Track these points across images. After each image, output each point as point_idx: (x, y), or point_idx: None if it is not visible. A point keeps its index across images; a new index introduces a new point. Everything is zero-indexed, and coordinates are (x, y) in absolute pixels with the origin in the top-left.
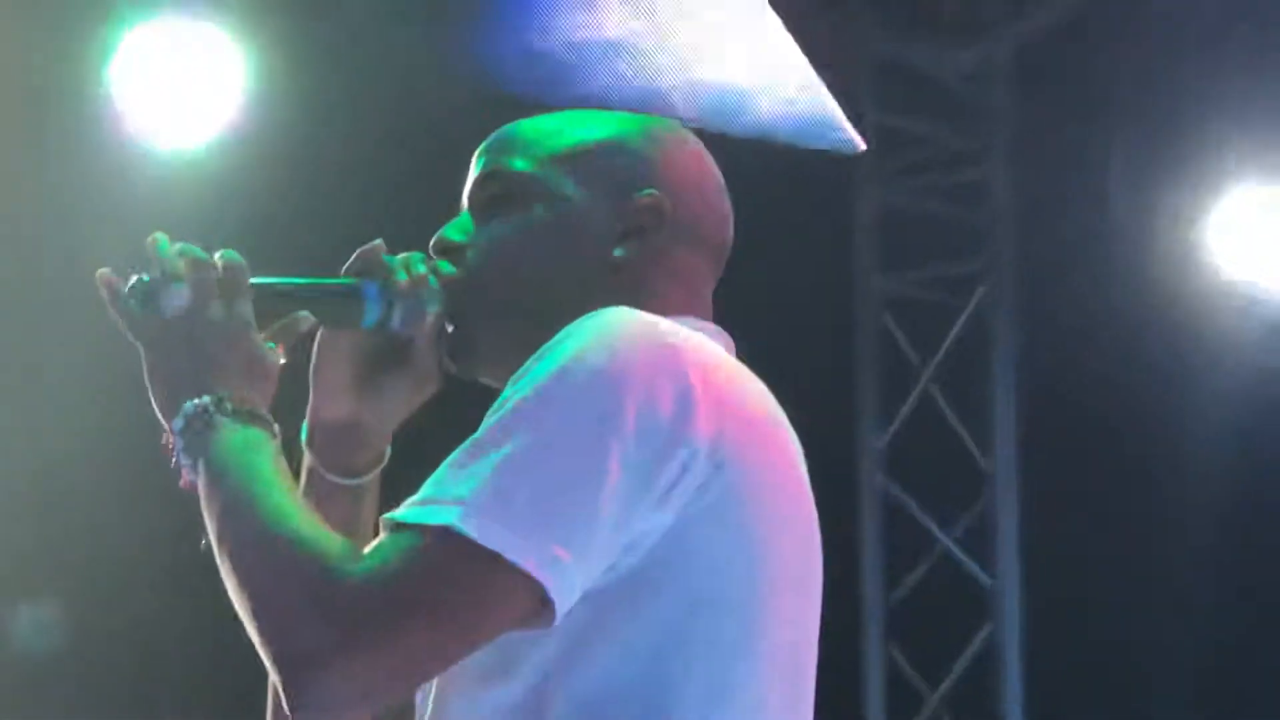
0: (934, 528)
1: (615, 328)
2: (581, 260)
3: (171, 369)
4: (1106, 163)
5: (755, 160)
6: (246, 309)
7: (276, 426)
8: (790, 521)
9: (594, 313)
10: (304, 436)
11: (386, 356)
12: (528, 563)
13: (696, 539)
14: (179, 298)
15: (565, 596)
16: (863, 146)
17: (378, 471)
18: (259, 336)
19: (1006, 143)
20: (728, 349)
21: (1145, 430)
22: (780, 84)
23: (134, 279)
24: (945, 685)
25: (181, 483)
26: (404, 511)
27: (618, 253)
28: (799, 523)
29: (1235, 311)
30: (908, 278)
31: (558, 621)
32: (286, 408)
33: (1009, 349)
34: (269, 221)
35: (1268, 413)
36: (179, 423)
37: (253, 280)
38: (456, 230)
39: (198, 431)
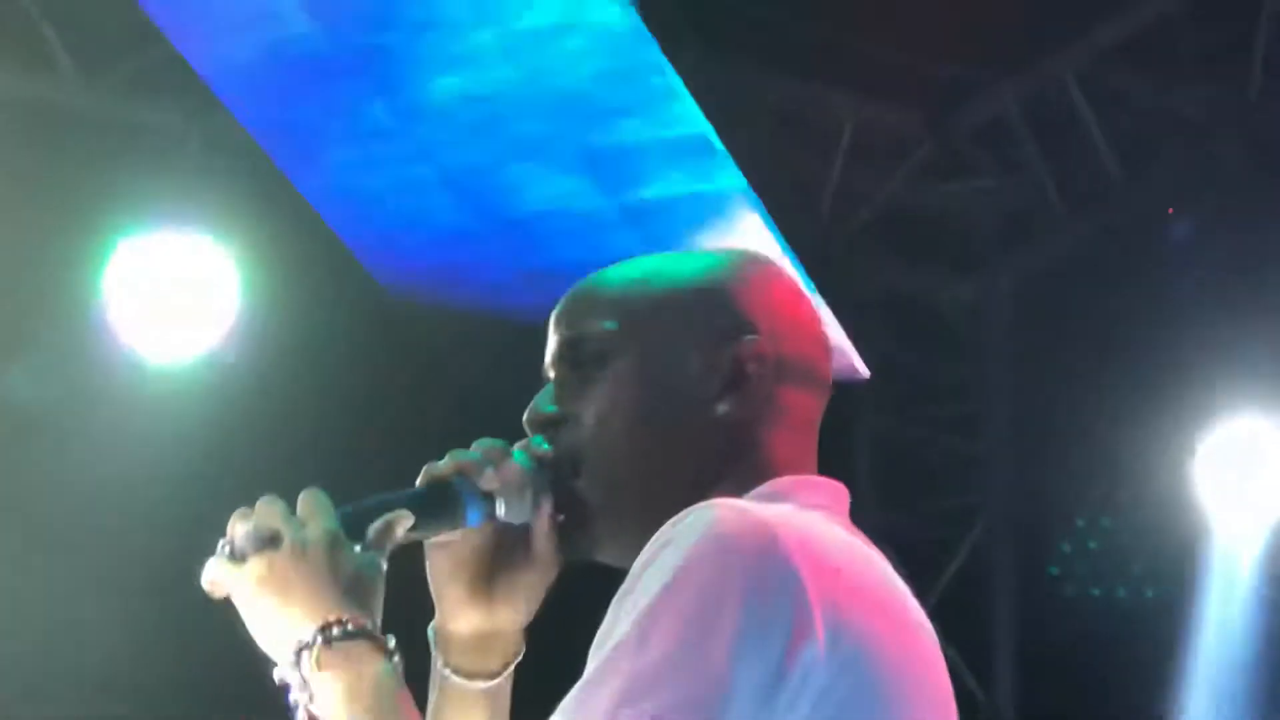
0: None
1: (716, 533)
2: (684, 423)
3: (268, 612)
4: (1099, 395)
5: None
6: (335, 532)
7: (387, 638)
8: (923, 693)
9: (694, 512)
10: (431, 640)
11: (501, 555)
12: None
13: None
14: (258, 540)
15: None
16: (865, 375)
17: (512, 668)
18: (353, 553)
19: (1003, 374)
20: (838, 499)
21: (1145, 672)
22: None
23: (220, 544)
24: None
25: None
26: None
27: (721, 409)
28: (933, 692)
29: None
30: (904, 512)
31: None
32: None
33: (1008, 583)
34: (263, 436)
35: None
36: (288, 661)
37: (341, 509)
38: (547, 401)
39: (303, 672)
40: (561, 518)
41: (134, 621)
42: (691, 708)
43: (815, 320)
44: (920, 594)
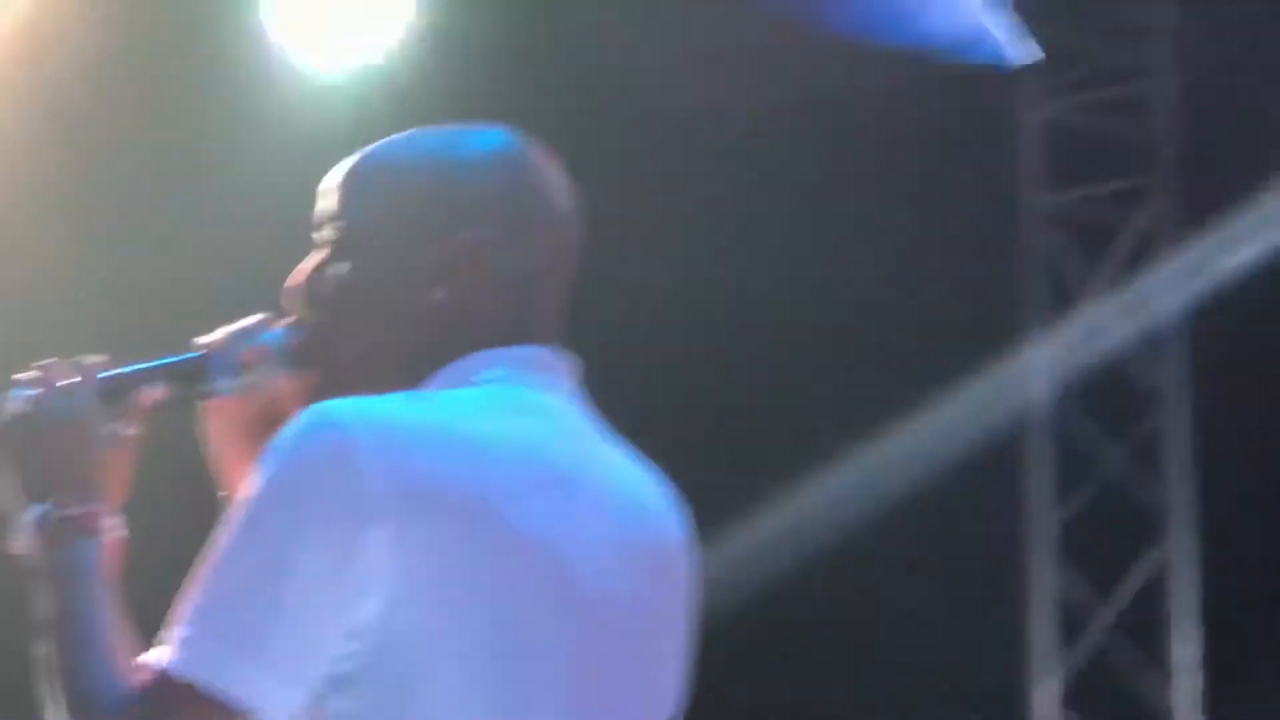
0: (1102, 448)
1: (289, 436)
2: (403, 309)
3: (17, 473)
4: (1271, 72)
5: (916, 75)
6: (85, 401)
7: (106, 520)
8: (527, 564)
9: (299, 413)
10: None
11: (269, 420)
12: (237, 693)
13: (405, 619)
14: (18, 401)
15: (270, 702)
16: (1029, 60)
17: None
18: (97, 426)
19: (1171, 56)
20: (526, 365)
21: None
22: None
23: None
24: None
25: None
26: (156, 651)
27: (438, 295)
28: (542, 565)
29: None
30: (1072, 194)
31: None
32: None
33: (1176, 264)
34: None
35: None
36: (23, 530)
37: (101, 374)
38: (304, 269)
39: (31, 544)
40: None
41: None
42: (251, 605)
43: (551, 201)
44: (1087, 276)
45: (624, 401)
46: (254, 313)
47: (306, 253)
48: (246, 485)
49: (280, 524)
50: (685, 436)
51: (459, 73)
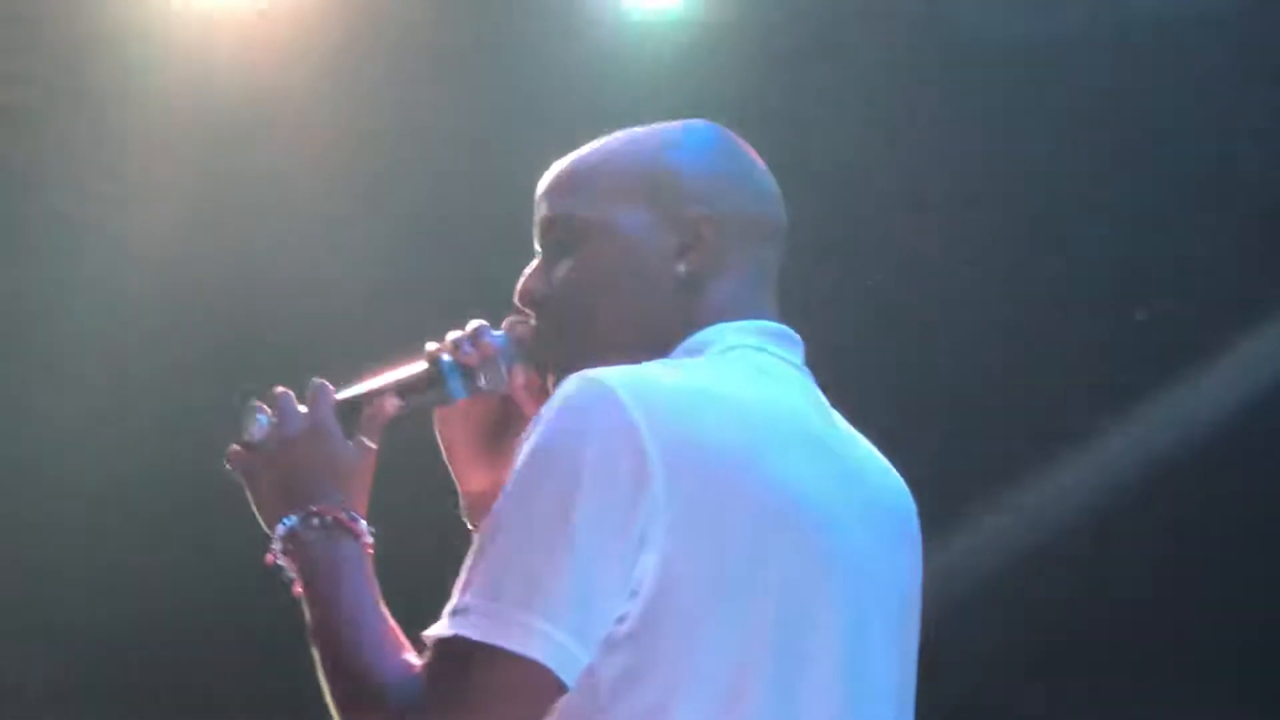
0: None
1: (563, 402)
2: (650, 283)
3: (263, 494)
4: None
5: None
6: (326, 417)
7: (362, 524)
8: (782, 527)
9: (564, 382)
10: (460, 507)
11: (501, 420)
12: (523, 646)
13: (678, 575)
14: (260, 424)
15: (563, 661)
16: None
17: None
18: (340, 439)
19: None
20: (772, 338)
21: None
22: None
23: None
24: None
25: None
26: (435, 625)
27: (681, 268)
28: (794, 529)
29: None
30: None
31: (574, 683)
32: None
33: None
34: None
35: None
36: (275, 545)
37: (339, 395)
38: (534, 279)
39: (289, 553)
40: (551, 377)
41: None
42: (547, 567)
43: (759, 179)
44: None
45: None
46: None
47: None
48: (519, 456)
49: (565, 486)
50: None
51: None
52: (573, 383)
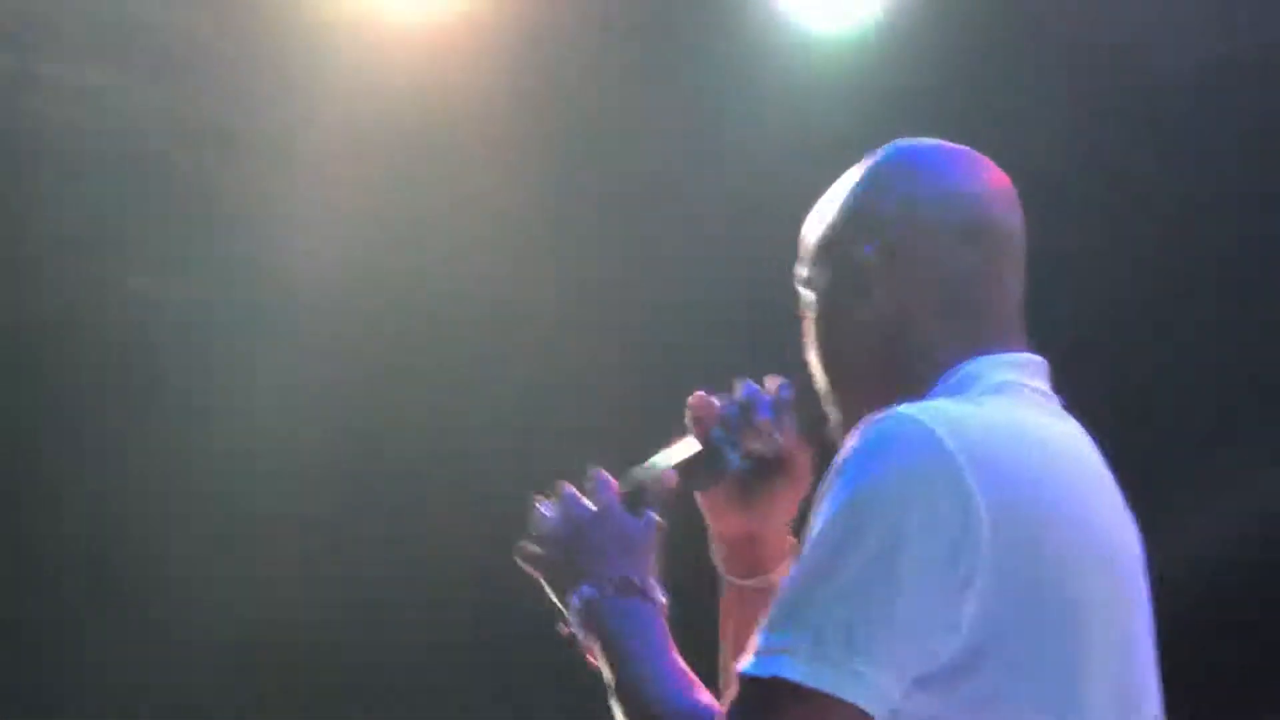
0: None
1: (879, 442)
2: (850, 335)
3: (558, 574)
4: None
5: None
6: (610, 500)
7: (657, 590)
8: (1094, 567)
9: (873, 423)
10: (712, 553)
11: (758, 474)
12: (846, 691)
13: (1002, 619)
14: (547, 517)
15: (876, 700)
16: None
17: (785, 564)
18: (628, 517)
19: None
20: (1028, 370)
21: None
22: None
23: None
24: None
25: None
26: (748, 665)
27: (860, 316)
28: (1104, 564)
29: None
30: None
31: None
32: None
33: None
34: (918, 112)
35: None
36: (572, 615)
37: (623, 478)
38: (805, 338)
39: (585, 622)
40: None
41: None
42: (871, 613)
43: (960, 185)
44: None
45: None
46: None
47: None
48: (830, 498)
49: (890, 525)
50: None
51: (956, 24)
52: (887, 422)
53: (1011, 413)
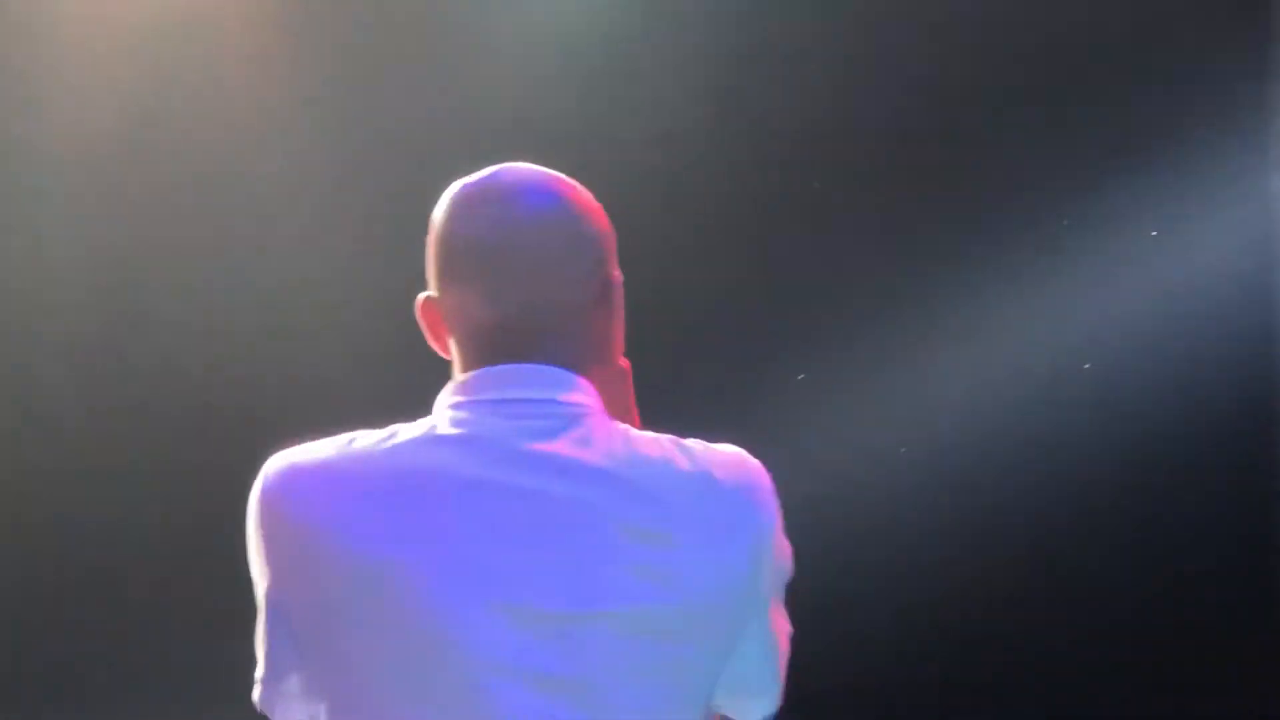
0: None
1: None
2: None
3: None
4: None
5: None
6: None
7: None
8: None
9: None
10: None
11: None
12: None
13: (331, 656)
14: None
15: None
16: None
17: None
18: None
19: None
20: (468, 390)
21: None
22: None
23: None
24: None
25: None
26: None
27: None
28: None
29: None
30: None
31: None
32: None
33: None
34: None
35: None
36: None
37: None
38: None
39: None
40: None
41: None
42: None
43: (461, 232)
44: None
45: None
46: None
47: None
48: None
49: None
50: None
51: None
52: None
53: (405, 438)
